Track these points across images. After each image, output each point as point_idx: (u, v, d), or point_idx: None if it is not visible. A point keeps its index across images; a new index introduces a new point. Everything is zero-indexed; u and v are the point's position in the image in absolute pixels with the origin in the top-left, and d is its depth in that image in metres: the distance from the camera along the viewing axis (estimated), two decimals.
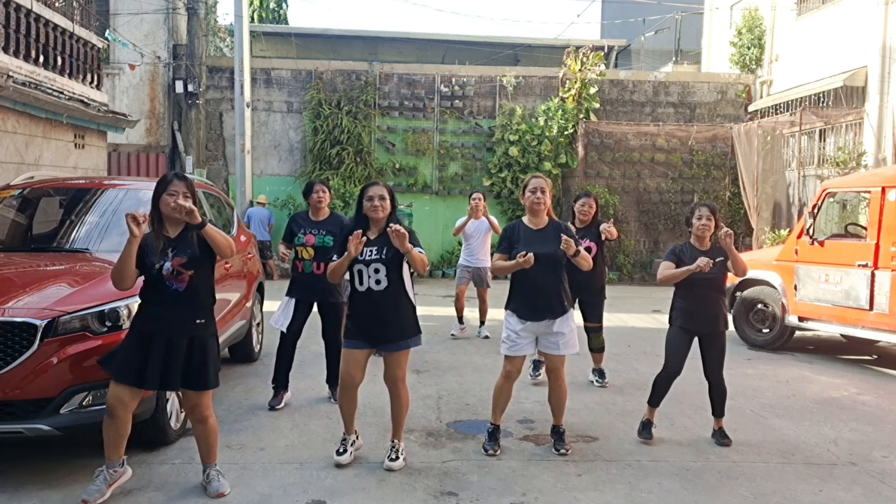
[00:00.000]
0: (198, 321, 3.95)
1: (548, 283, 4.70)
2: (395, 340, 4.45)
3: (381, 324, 4.41)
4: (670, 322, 5.23)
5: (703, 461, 4.83)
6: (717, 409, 5.26)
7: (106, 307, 4.30)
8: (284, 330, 5.82)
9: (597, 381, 6.76)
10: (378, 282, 4.37)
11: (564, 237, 4.59)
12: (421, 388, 6.47)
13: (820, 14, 14.84)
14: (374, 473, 4.45)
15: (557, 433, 4.98)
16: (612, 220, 6.50)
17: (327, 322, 5.91)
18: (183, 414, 4.92)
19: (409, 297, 4.51)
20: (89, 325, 4.23)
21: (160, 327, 3.87)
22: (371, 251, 4.38)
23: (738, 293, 9.18)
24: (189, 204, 3.80)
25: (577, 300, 6.46)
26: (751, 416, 5.88)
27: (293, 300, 5.82)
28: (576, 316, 5.00)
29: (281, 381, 5.90)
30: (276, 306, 5.91)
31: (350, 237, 4.28)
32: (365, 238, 4.32)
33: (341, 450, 4.60)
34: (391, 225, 4.29)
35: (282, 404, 5.80)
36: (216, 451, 4.18)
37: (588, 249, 6.26)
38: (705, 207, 5.12)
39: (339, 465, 4.52)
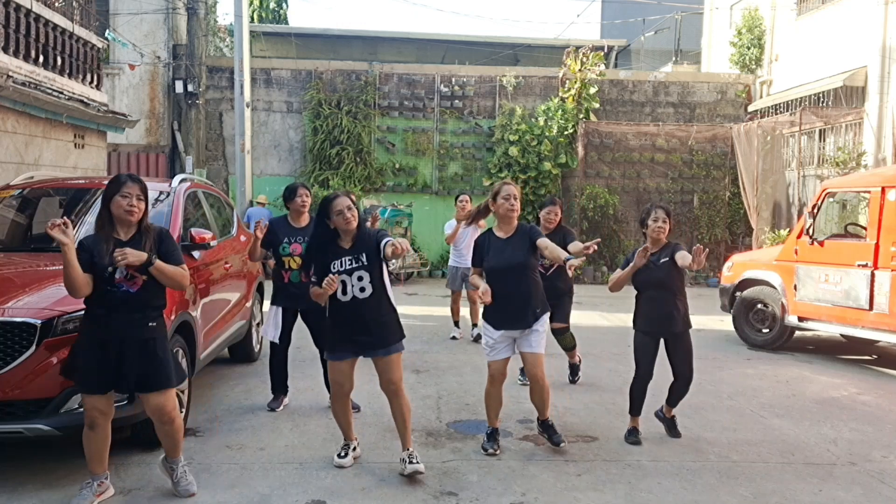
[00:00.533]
0: (150, 324, 3.89)
1: (521, 291, 4.70)
2: (383, 346, 4.37)
3: (367, 331, 4.34)
4: (634, 327, 5.25)
5: (703, 461, 4.83)
6: (674, 399, 5.30)
7: None
8: (277, 341, 5.71)
9: (569, 377, 6.79)
10: (363, 289, 4.31)
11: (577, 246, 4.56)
12: (421, 388, 6.47)
13: (820, 14, 14.84)
14: (374, 473, 4.46)
15: (546, 426, 4.95)
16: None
17: (316, 330, 5.66)
18: (183, 414, 4.92)
19: (391, 301, 4.48)
20: None
21: (113, 333, 3.79)
22: (349, 260, 4.30)
23: (738, 293, 9.18)
24: (129, 258, 3.69)
25: None
26: (751, 416, 5.88)
27: (280, 309, 5.67)
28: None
29: (279, 388, 5.87)
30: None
31: (325, 284, 4.13)
32: (336, 278, 4.18)
33: (343, 453, 4.60)
34: (392, 242, 4.18)
35: (281, 407, 5.79)
36: (182, 445, 4.15)
37: None
38: (661, 210, 5.11)
39: (340, 467, 4.51)
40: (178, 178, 6.15)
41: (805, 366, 7.96)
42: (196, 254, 5.55)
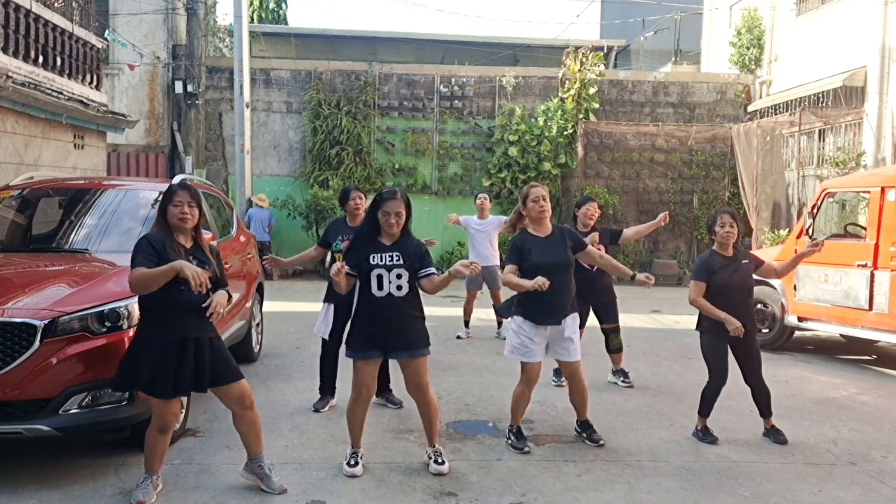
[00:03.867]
0: (210, 321, 3.99)
1: (563, 288, 4.77)
2: (413, 347, 4.39)
3: (400, 330, 4.34)
4: (701, 330, 5.23)
5: (703, 461, 4.83)
6: (765, 411, 5.31)
7: (105, 307, 4.29)
8: (327, 337, 5.69)
9: (622, 381, 6.72)
10: (399, 287, 4.32)
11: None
12: None
13: (819, 14, 14.85)
14: (374, 473, 4.45)
15: (586, 425, 5.11)
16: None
17: None
18: (182, 415, 4.92)
19: (421, 305, 4.49)
20: (89, 326, 4.22)
21: (189, 333, 3.86)
22: (391, 256, 4.30)
23: None
24: (218, 305, 3.87)
25: (590, 305, 6.49)
26: (750, 416, 5.86)
27: (332, 306, 5.66)
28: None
29: (327, 389, 5.82)
30: (277, 307, 5.87)
31: (333, 271, 4.20)
32: (345, 268, 4.24)
33: (352, 462, 4.45)
34: (465, 263, 4.21)
35: (326, 408, 5.72)
36: (262, 435, 4.24)
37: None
38: (727, 214, 5.14)
39: (353, 476, 4.38)
40: (177, 178, 6.15)
41: (804, 366, 7.96)
42: None
